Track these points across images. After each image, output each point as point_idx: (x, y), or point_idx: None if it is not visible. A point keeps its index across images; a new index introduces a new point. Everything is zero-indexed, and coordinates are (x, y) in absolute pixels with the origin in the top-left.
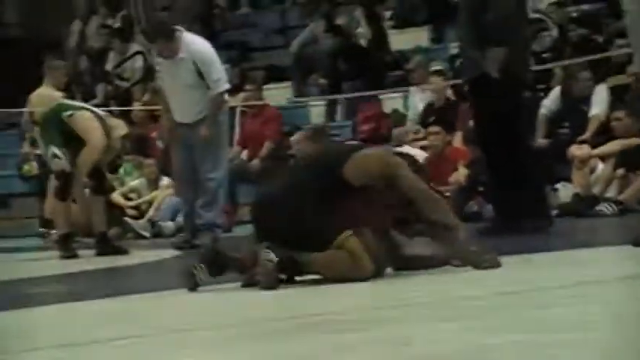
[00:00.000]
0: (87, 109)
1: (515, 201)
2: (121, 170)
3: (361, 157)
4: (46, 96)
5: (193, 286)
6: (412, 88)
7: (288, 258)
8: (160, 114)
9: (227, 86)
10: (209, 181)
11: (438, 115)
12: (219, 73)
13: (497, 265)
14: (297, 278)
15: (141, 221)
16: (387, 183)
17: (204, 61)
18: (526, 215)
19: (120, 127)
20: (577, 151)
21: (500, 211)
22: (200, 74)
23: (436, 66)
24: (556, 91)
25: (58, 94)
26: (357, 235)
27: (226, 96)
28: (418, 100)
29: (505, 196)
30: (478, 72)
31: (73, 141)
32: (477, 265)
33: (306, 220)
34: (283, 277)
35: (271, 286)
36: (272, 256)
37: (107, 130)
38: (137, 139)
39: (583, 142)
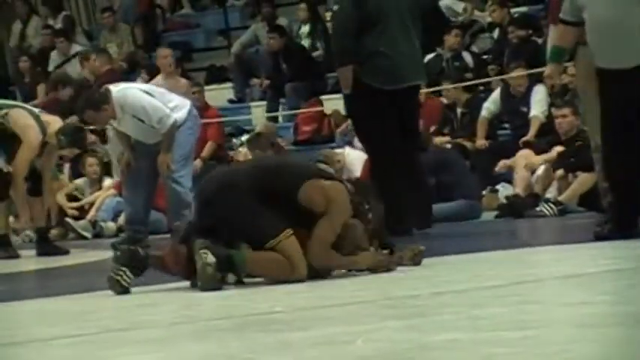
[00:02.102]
0: (21, 107)
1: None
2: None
3: (311, 191)
4: None
5: (122, 291)
6: None
7: (225, 258)
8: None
9: (174, 117)
10: (177, 181)
11: None
12: (159, 113)
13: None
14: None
15: (82, 222)
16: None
17: (140, 112)
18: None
19: (55, 122)
20: (522, 160)
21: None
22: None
23: None
24: (496, 93)
25: None
26: (296, 235)
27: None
28: None
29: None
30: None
31: (8, 140)
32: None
33: (245, 218)
34: (224, 276)
35: (213, 288)
36: (210, 258)
37: (43, 128)
38: (74, 132)
39: (526, 143)
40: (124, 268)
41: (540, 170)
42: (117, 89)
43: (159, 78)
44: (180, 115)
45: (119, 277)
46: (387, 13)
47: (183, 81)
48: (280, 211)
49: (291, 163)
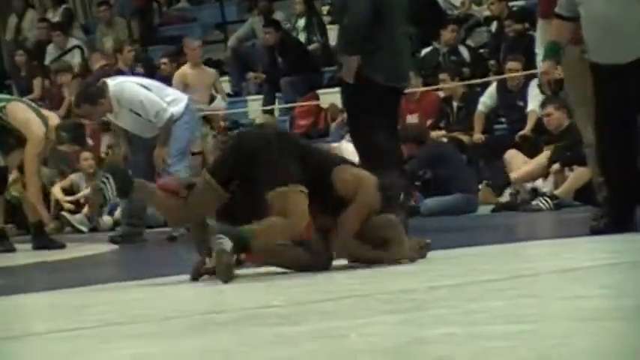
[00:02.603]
0: (18, 100)
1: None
2: None
3: (344, 175)
4: None
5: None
6: None
7: (237, 240)
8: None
9: (170, 111)
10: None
11: None
12: (156, 107)
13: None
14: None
15: (78, 215)
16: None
17: (137, 106)
18: None
19: (53, 117)
20: (512, 159)
21: None
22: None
23: None
24: (492, 87)
25: None
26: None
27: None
28: None
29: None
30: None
31: (5, 134)
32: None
33: (272, 160)
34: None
35: (230, 278)
36: (227, 244)
37: (45, 120)
38: (75, 128)
39: (523, 137)
40: (108, 175)
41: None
42: (113, 83)
43: (185, 68)
44: (177, 109)
45: (103, 185)
46: (392, 9)
47: (211, 71)
48: (308, 175)
49: (318, 148)
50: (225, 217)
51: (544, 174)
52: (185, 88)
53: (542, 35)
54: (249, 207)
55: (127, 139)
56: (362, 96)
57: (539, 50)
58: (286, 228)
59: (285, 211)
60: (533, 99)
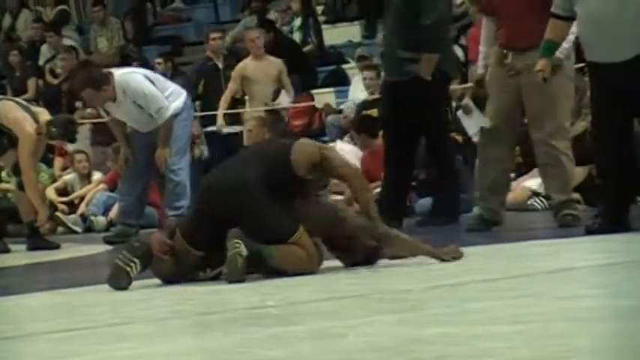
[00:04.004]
0: (7, 99)
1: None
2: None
3: (302, 143)
4: None
5: (126, 284)
6: (355, 80)
7: (256, 253)
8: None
9: (172, 109)
10: (175, 172)
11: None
12: (158, 103)
13: (461, 255)
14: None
15: (72, 216)
16: (322, 165)
17: (141, 98)
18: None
19: (44, 113)
20: None
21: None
22: (142, 107)
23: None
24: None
25: None
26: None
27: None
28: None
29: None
30: (410, 74)
31: None
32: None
33: (264, 214)
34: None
35: (239, 280)
36: (243, 250)
37: (35, 117)
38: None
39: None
40: (136, 260)
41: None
42: (120, 73)
43: (246, 61)
44: (176, 104)
45: (129, 269)
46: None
47: (277, 61)
48: (288, 201)
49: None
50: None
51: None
52: (246, 82)
53: (485, 33)
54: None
55: (126, 139)
56: (438, 89)
57: (483, 48)
58: (304, 262)
59: (305, 251)
60: None
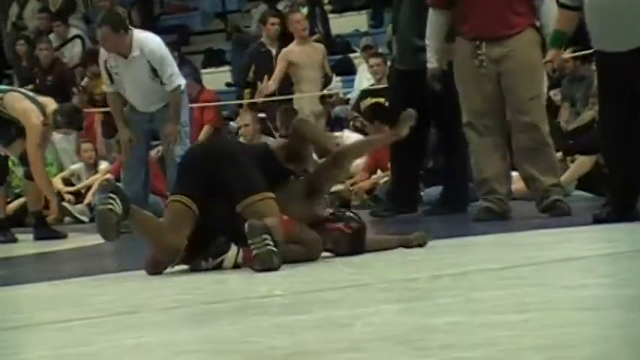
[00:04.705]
0: (15, 91)
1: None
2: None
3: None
4: None
5: (117, 220)
6: (360, 69)
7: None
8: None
9: (182, 81)
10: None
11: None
12: (173, 69)
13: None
14: None
15: (79, 206)
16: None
17: (157, 60)
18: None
19: (50, 103)
20: None
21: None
22: (155, 71)
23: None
24: None
25: None
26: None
27: (182, 88)
28: (365, 82)
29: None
30: (425, 63)
31: (4, 124)
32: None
33: (242, 164)
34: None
35: (274, 267)
36: (272, 247)
37: (42, 108)
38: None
39: None
40: (113, 196)
41: None
42: (139, 31)
43: (291, 46)
44: (183, 81)
45: (111, 205)
46: None
47: (319, 46)
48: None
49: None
50: (202, 233)
51: None
52: (293, 69)
53: (432, 26)
54: (225, 220)
55: (125, 121)
56: (452, 78)
57: (429, 42)
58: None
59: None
60: None
